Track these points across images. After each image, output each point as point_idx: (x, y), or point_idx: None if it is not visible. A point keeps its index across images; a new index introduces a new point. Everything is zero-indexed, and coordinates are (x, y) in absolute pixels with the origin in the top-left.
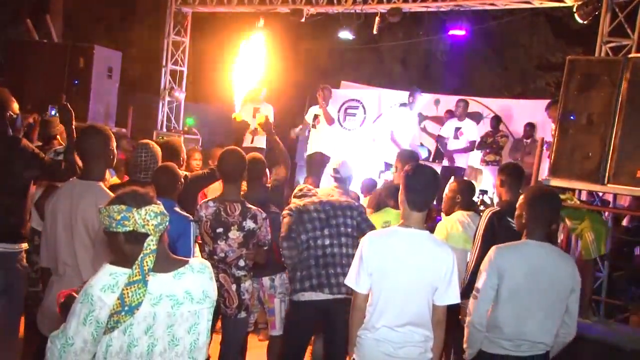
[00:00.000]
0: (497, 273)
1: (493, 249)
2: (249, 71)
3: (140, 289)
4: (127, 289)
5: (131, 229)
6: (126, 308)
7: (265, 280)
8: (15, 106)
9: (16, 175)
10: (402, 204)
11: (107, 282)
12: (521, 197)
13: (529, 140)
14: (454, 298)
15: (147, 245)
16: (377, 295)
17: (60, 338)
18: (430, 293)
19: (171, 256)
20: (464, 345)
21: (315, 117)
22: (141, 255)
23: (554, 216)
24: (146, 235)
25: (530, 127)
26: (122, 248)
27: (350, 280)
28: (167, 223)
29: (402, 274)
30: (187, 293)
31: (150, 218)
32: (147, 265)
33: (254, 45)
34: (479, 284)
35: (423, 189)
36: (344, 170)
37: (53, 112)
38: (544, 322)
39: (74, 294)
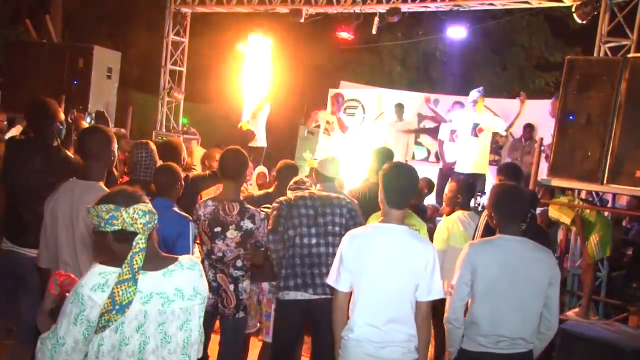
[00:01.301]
0: (471, 269)
1: (467, 245)
2: (256, 80)
3: (131, 287)
4: (117, 288)
5: (120, 227)
6: (117, 307)
7: (265, 285)
8: (62, 116)
9: (51, 185)
10: (382, 202)
11: (97, 282)
12: (487, 199)
13: (528, 142)
14: (437, 293)
15: (136, 243)
16: (357, 292)
17: (50, 338)
18: (412, 289)
19: (160, 254)
20: (447, 346)
21: (327, 123)
22: (130, 253)
23: (522, 209)
24: (135, 233)
25: (530, 128)
26: (111, 247)
27: (331, 279)
28: (156, 221)
29: (382, 270)
30: (177, 290)
31: (138, 216)
32: (137, 264)
33: (258, 54)
34: (453, 280)
35: (401, 186)
36: (328, 169)
37: (88, 119)
38: (520, 316)
39: (72, 275)
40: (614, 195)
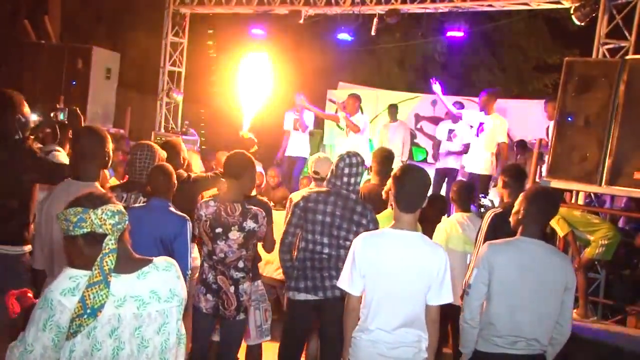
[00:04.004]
0: (489, 269)
1: (486, 244)
2: (255, 89)
3: (102, 290)
4: (88, 291)
5: (89, 230)
6: (88, 311)
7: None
8: (27, 110)
9: (17, 178)
10: (393, 206)
11: (67, 286)
12: (521, 194)
13: (519, 156)
14: (447, 297)
15: (105, 244)
16: (370, 297)
17: (18, 346)
18: (423, 293)
19: (134, 256)
20: (460, 347)
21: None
22: (100, 255)
23: (550, 215)
24: (105, 235)
25: (522, 148)
26: (82, 252)
27: (343, 283)
28: (127, 222)
29: (394, 275)
30: (153, 293)
31: (107, 217)
32: (108, 265)
33: (256, 63)
34: (471, 279)
35: (413, 190)
36: (322, 169)
37: (62, 116)
38: (536, 318)
39: (29, 294)
40: (612, 197)
